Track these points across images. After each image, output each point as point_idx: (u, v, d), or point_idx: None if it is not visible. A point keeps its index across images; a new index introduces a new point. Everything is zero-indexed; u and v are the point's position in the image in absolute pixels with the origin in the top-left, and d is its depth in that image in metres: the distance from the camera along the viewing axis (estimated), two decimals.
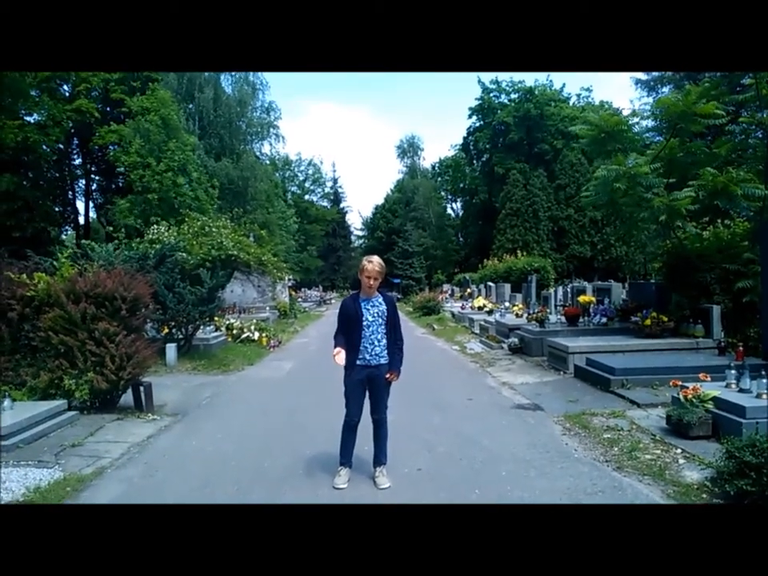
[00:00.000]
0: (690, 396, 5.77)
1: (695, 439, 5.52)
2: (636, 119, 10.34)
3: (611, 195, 10.14)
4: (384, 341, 4.70)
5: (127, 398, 7.68)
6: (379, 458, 4.82)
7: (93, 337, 7.06)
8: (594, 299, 13.45)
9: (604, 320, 11.95)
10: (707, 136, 12.82)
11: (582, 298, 13.52)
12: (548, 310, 14.06)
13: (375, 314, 4.67)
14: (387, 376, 4.71)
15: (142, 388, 7.53)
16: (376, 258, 4.75)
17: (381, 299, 4.76)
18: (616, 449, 5.51)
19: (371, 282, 4.63)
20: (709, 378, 6.44)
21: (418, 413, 7.17)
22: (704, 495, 4.34)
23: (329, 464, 5.12)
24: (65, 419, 6.65)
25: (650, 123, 11.42)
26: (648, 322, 10.19)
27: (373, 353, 4.66)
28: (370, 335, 4.65)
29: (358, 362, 4.67)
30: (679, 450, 5.33)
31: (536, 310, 14.09)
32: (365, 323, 4.64)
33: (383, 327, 4.70)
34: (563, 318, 12.55)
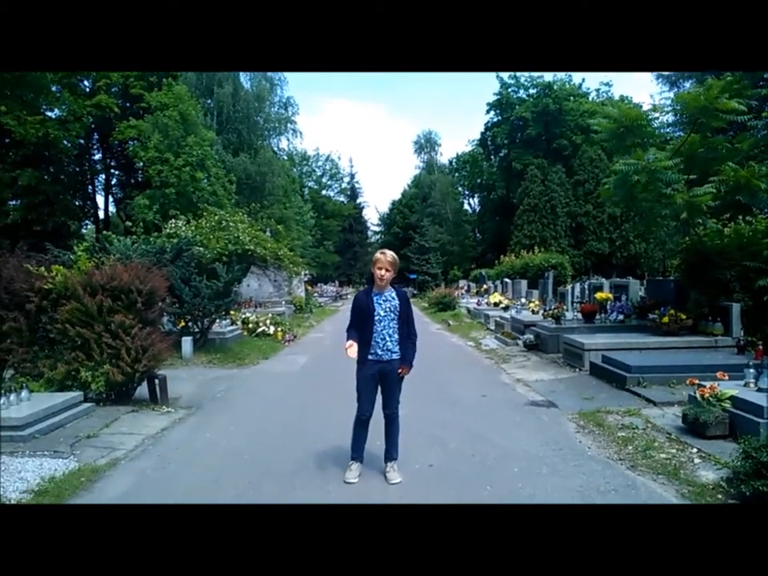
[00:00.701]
0: (707, 395, 5.68)
1: (712, 439, 5.43)
2: (656, 114, 10.14)
3: (630, 191, 9.99)
4: (396, 336, 4.67)
5: (142, 390, 7.74)
6: (390, 453, 4.81)
7: (109, 329, 7.12)
8: (611, 296, 13.33)
9: (621, 317, 11.84)
10: (729, 131, 12.57)
11: (598, 295, 13.40)
12: (564, 307, 13.95)
13: (387, 309, 4.64)
14: (399, 371, 4.68)
15: (157, 381, 7.59)
16: (389, 251, 4.73)
17: (393, 293, 4.72)
18: (630, 447, 5.45)
19: (383, 274, 4.59)
20: (726, 377, 6.33)
21: (430, 408, 7.15)
22: (719, 496, 4.26)
23: (340, 459, 5.12)
24: (81, 411, 6.72)
25: (670, 118, 11.15)
26: (666, 319, 10.05)
27: (385, 348, 4.63)
28: (382, 330, 4.62)
29: (369, 357, 4.65)
30: (695, 450, 5.25)
31: (552, 307, 13.99)
32: (376, 318, 4.61)
33: (395, 322, 4.66)
34: (580, 315, 12.46)
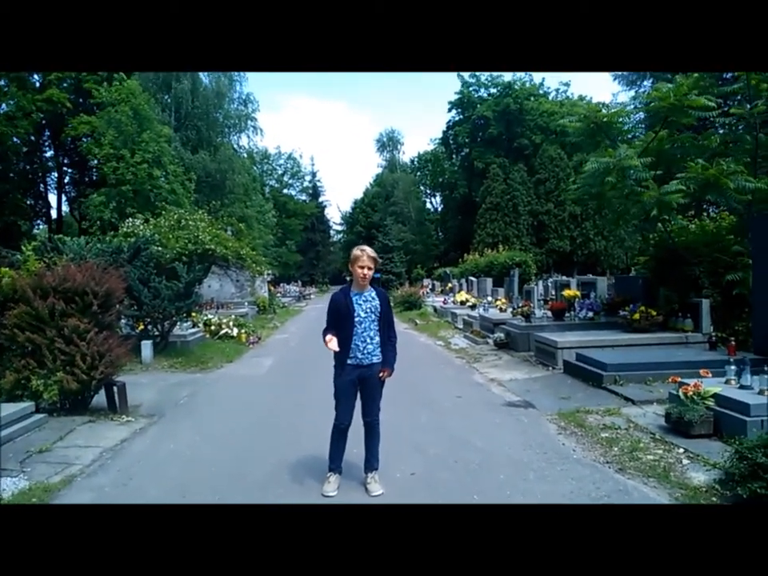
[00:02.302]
0: (690, 393, 5.57)
1: (696, 438, 5.32)
2: (623, 117, 10.09)
3: (600, 189, 9.94)
4: (377, 338, 4.39)
5: (100, 398, 7.27)
6: (371, 463, 4.52)
7: (62, 334, 6.64)
8: (579, 293, 13.32)
9: (590, 314, 11.81)
10: (694, 129, 12.68)
11: (566, 293, 13.37)
12: (532, 305, 13.89)
13: (368, 310, 4.35)
14: (380, 374, 4.41)
15: (115, 388, 7.13)
16: (369, 248, 4.44)
17: (374, 293, 4.44)
18: (616, 449, 5.29)
19: (365, 273, 4.30)
20: (710, 375, 6.26)
21: (405, 411, 6.88)
22: (714, 498, 4.12)
23: (315, 469, 4.82)
24: (32, 422, 6.24)
25: (638, 116, 11.17)
26: (636, 316, 10.04)
27: (365, 351, 4.34)
28: (362, 332, 4.33)
29: (349, 362, 4.35)
30: (681, 450, 5.12)
31: (520, 305, 13.92)
32: (357, 319, 4.31)
33: (376, 324, 4.38)
34: (549, 313, 12.39)
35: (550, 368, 9.38)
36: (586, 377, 8.11)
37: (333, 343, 4.22)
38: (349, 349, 4.31)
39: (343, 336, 4.29)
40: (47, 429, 6.27)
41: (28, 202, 34.39)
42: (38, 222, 38.24)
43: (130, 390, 7.69)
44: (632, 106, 9.83)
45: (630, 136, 10.52)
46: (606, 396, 7.28)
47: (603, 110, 9.57)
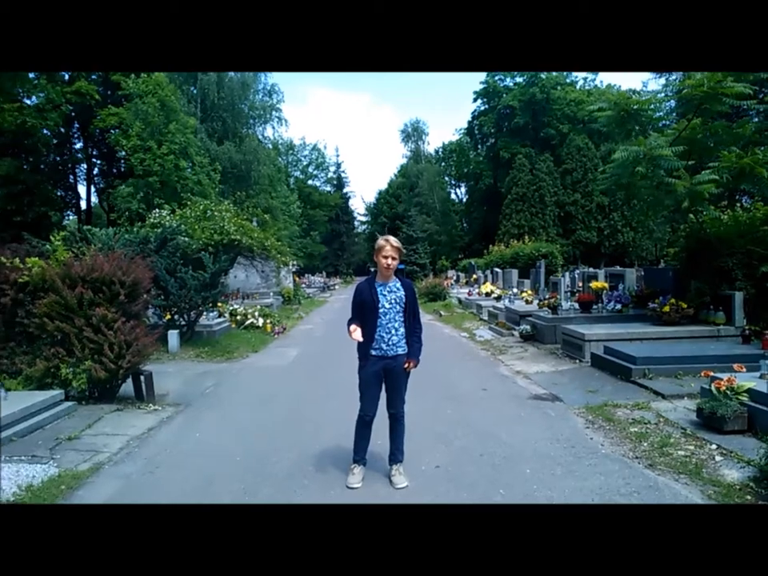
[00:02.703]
0: (723, 388, 5.42)
1: (729, 434, 5.17)
2: (654, 104, 9.79)
3: (629, 179, 9.71)
4: (402, 329, 4.34)
5: (127, 387, 7.37)
6: (396, 456, 4.49)
7: (90, 323, 6.72)
8: (606, 285, 13.09)
9: (618, 306, 11.59)
10: (728, 116, 12.32)
11: (594, 284, 13.14)
12: (558, 296, 13.70)
13: (393, 301, 4.29)
14: (405, 365, 4.36)
15: (142, 377, 7.21)
16: (393, 237, 4.36)
17: (399, 284, 4.38)
18: (645, 444, 5.18)
19: (389, 263, 4.23)
20: (744, 369, 6.08)
21: (430, 404, 6.84)
22: (748, 497, 4.00)
23: (340, 460, 4.81)
24: (61, 410, 6.34)
25: (669, 104, 10.85)
26: (666, 308, 9.82)
27: (390, 342, 4.29)
28: (387, 323, 4.27)
29: (373, 353, 4.30)
30: (714, 446, 4.99)
31: (547, 296, 13.75)
32: (381, 310, 4.26)
33: (401, 315, 4.32)
34: (576, 305, 12.19)
35: (578, 361, 9.24)
36: (615, 370, 7.97)
37: (357, 333, 4.19)
38: (373, 340, 4.27)
39: (368, 327, 4.26)
40: (76, 417, 6.36)
41: (58, 194, 34.91)
42: (68, 212, 38.84)
43: (157, 379, 7.77)
44: (663, 94, 9.46)
45: (661, 125, 10.22)
46: (635, 390, 7.14)
47: (634, 97, 9.30)
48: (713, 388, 5.56)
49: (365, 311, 4.29)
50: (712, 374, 5.91)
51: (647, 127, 9.47)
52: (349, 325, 4.30)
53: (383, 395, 4.47)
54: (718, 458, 4.74)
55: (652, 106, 9.40)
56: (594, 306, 11.91)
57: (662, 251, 41.36)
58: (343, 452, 4.92)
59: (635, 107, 9.02)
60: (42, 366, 6.76)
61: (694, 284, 10.42)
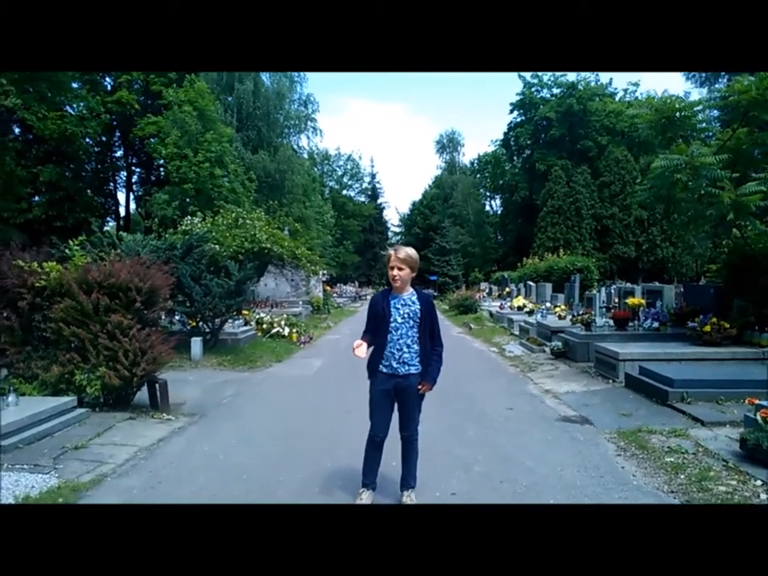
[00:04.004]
0: None
1: None
2: (700, 107, 9.27)
3: (668, 190, 9.25)
4: (416, 347, 4.01)
5: (143, 395, 7.23)
6: (407, 481, 4.18)
7: (105, 330, 6.61)
8: (643, 302, 12.55)
9: (656, 324, 11.05)
10: None
11: (631, 301, 12.61)
12: (593, 312, 13.20)
13: (405, 315, 3.99)
14: (419, 387, 4.04)
15: (157, 385, 7.06)
16: (402, 247, 4.08)
17: (414, 297, 4.05)
18: (682, 476, 4.76)
19: (394, 274, 3.94)
20: None
21: (451, 423, 6.51)
22: None
23: (350, 481, 4.52)
24: (73, 417, 6.21)
25: (713, 113, 10.32)
26: (707, 328, 9.31)
27: (401, 360, 3.99)
28: (398, 339, 3.98)
29: (383, 369, 4.02)
30: (759, 482, 4.54)
31: (580, 312, 13.26)
32: (392, 325, 3.97)
33: (415, 330, 4.00)
34: (611, 322, 11.70)
35: (611, 381, 8.78)
36: (650, 392, 7.51)
37: (359, 350, 3.93)
38: (383, 356, 4.00)
39: (378, 341, 4.00)
40: (87, 424, 6.23)
41: (99, 200, 35.64)
42: (108, 219, 39.61)
43: (176, 387, 7.65)
44: (713, 101, 8.92)
45: (704, 136, 9.71)
46: (671, 415, 6.68)
47: (677, 102, 8.85)
48: (758, 417, 5.10)
49: (377, 324, 4.03)
50: (757, 401, 5.45)
51: (689, 136, 9.00)
52: (362, 337, 4.05)
53: (396, 416, 4.18)
54: (763, 496, 4.31)
55: (697, 109, 8.84)
56: (630, 324, 11.40)
57: (702, 267, 40.16)
58: (354, 473, 4.62)
59: (678, 113, 8.55)
60: (57, 372, 6.67)
61: (737, 302, 9.88)
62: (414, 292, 4.08)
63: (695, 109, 8.72)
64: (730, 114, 8.96)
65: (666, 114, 8.70)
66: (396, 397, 4.07)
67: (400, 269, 3.93)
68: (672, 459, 5.17)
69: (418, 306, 4.01)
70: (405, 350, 3.99)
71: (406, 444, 4.18)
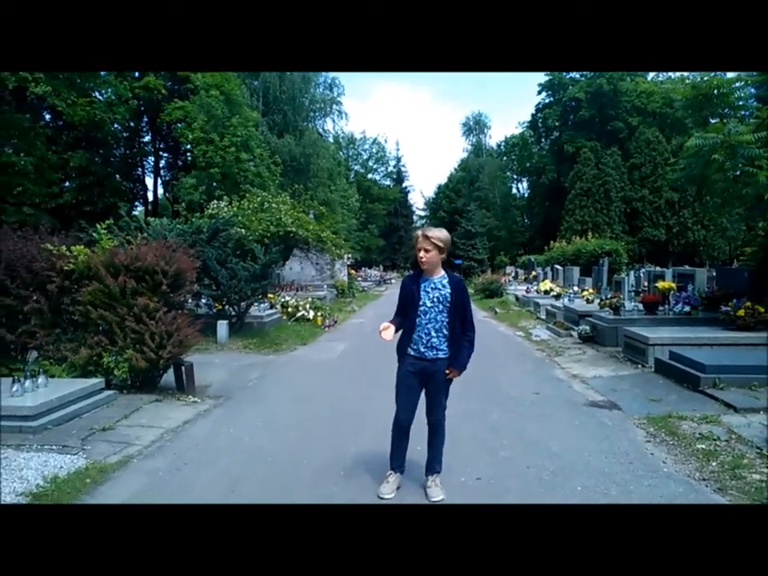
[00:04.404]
0: None
1: None
2: (739, 83, 8.89)
3: (703, 169, 8.97)
4: (445, 331, 3.90)
5: (170, 377, 7.31)
6: (433, 466, 4.13)
7: (132, 313, 6.66)
8: (674, 285, 12.26)
9: (687, 309, 10.79)
10: None
11: (661, 284, 12.32)
12: (621, 296, 12.95)
13: (435, 299, 3.87)
14: (447, 372, 3.95)
15: (183, 368, 7.12)
16: (431, 227, 3.98)
17: (446, 280, 3.92)
18: (714, 464, 4.63)
19: (422, 256, 3.83)
20: None
21: (476, 408, 6.44)
22: None
23: (374, 465, 4.50)
24: (101, 399, 6.29)
25: (749, 90, 9.91)
26: (741, 312, 9.05)
27: (429, 344, 3.90)
28: (427, 323, 3.88)
29: (410, 352, 3.95)
30: None
31: (609, 296, 13.02)
32: (421, 308, 3.87)
33: (444, 315, 3.88)
34: (640, 306, 11.46)
35: (640, 366, 8.61)
36: (681, 378, 7.34)
37: (386, 333, 3.85)
38: (411, 338, 3.92)
39: (407, 325, 3.92)
40: (115, 406, 6.30)
41: (127, 185, 36.06)
42: (137, 204, 40.10)
43: (202, 370, 7.71)
44: (753, 78, 8.54)
45: (741, 113, 9.34)
46: (703, 401, 6.52)
47: (717, 78, 8.49)
48: None
49: (407, 307, 3.95)
50: None
51: (726, 114, 8.68)
52: (392, 320, 3.99)
53: (423, 400, 4.12)
54: None
55: (735, 86, 8.47)
56: (660, 308, 11.16)
57: (735, 251, 39.19)
58: (379, 457, 4.61)
59: (715, 90, 8.22)
60: (86, 354, 6.76)
61: None
62: (446, 275, 3.95)
63: (733, 86, 8.38)
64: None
65: (703, 91, 8.38)
66: (423, 381, 3.99)
67: (427, 250, 3.82)
68: (703, 446, 5.04)
69: (449, 290, 3.89)
70: (433, 334, 3.90)
71: (432, 429, 4.11)
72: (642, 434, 5.54)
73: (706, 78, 8.55)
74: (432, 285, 3.90)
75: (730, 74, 8.64)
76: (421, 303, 3.89)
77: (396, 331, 3.96)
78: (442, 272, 3.95)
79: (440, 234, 3.88)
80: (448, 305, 3.88)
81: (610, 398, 6.98)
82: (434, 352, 3.92)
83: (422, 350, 3.92)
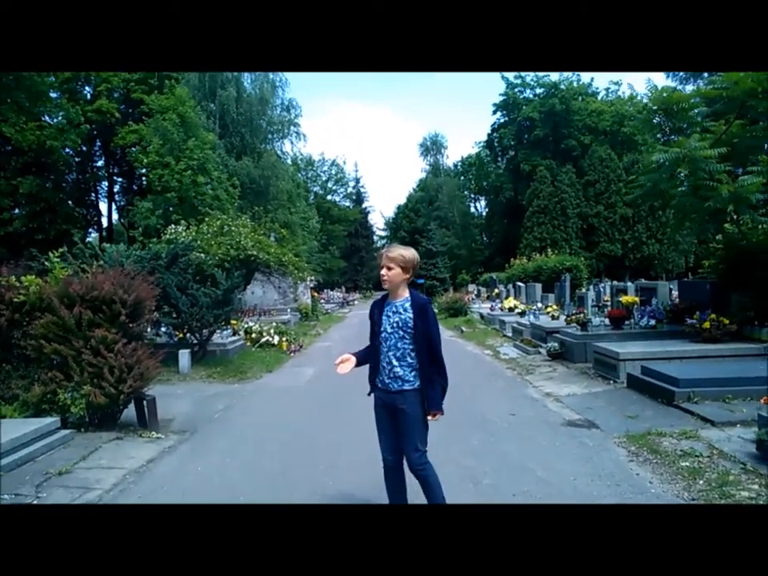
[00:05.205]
0: None
1: None
2: (697, 99, 9.08)
3: (666, 184, 9.10)
4: (409, 359, 3.52)
5: (130, 412, 6.91)
6: None
7: (89, 345, 6.29)
8: (637, 300, 12.40)
9: (652, 322, 10.90)
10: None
11: (624, 299, 12.46)
12: (585, 311, 13.04)
13: (395, 324, 3.52)
14: (429, 417, 3.53)
15: (145, 402, 6.75)
16: (396, 245, 3.70)
17: (408, 303, 3.53)
18: (701, 482, 4.55)
19: (383, 274, 3.51)
20: None
21: (453, 431, 6.22)
22: None
23: (355, 500, 4.26)
24: (56, 439, 5.88)
25: (702, 109, 10.14)
26: (707, 324, 9.15)
27: (392, 374, 3.54)
28: (387, 351, 3.54)
29: (377, 383, 3.64)
30: None
31: (573, 312, 13.11)
32: (382, 335, 3.56)
33: (406, 342, 3.50)
34: (607, 321, 11.54)
35: (611, 382, 8.60)
36: (655, 392, 7.32)
37: (342, 366, 3.57)
38: (377, 369, 3.62)
39: (373, 353, 3.64)
40: (72, 446, 5.90)
41: (80, 212, 35.06)
42: (90, 230, 39.01)
43: (165, 402, 7.34)
44: (708, 87, 8.69)
45: (698, 129, 9.56)
46: (679, 415, 6.50)
47: (677, 93, 8.67)
48: None
49: (372, 334, 3.68)
50: None
51: (686, 129, 8.85)
52: (366, 348, 3.74)
53: None
54: None
55: (694, 101, 8.63)
56: (626, 322, 11.25)
57: (690, 263, 40.36)
58: (360, 491, 4.41)
59: (675, 106, 8.36)
60: (39, 391, 6.33)
61: (735, 297, 9.77)
62: (409, 298, 3.58)
63: (691, 101, 8.55)
64: (727, 104, 8.78)
65: (662, 107, 8.53)
66: (392, 416, 3.62)
67: (389, 268, 3.50)
68: (687, 464, 4.97)
69: (410, 314, 3.50)
70: (395, 363, 3.53)
71: (415, 475, 3.60)
72: (624, 452, 5.45)
73: (666, 92, 8.69)
74: (393, 308, 3.56)
75: (689, 89, 8.82)
76: (381, 329, 3.58)
77: (367, 361, 3.70)
78: (407, 294, 3.59)
79: (404, 252, 3.55)
80: (410, 330, 3.50)
81: (586, 416, 6.90)
82: (399, 383, 3.52)
83: (386, 380, 3.56)
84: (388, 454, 3.70)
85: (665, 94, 8.42)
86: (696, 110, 8.61)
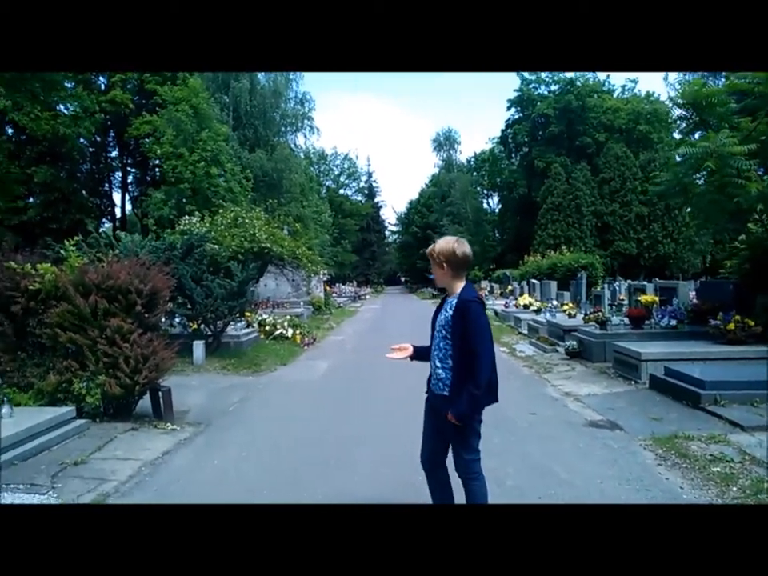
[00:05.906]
0: None
1: None
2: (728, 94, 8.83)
3: (690, 178, 8.88)
4: (450, 361, 3.27)
5: (145, 403, 6.84)
6: None
7: (105, 335, 6.21)
8: (657, 299, 12.19)
9: (673, 322, 10.68)
10: None
11: (643, 298, 12.24)
12: (602, 310, 12.84)
13: (439, 323, 3.34)
14: (448, 416, 3.25)
15: (160, 393, 6.66)
16: (436, 241, 3.47)
17: (455, 301, 3.27)
18: (734, 488, 4.39)
19: (433, 271, 3.39)
20: None
21: None
22: None
23: (374, 501, 4.14)
24: (72, 429, 5.82)
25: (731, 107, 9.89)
26: (731, 325, 8.95)
27: (435, 376, 3.38)
28: (434, 350, 3.38)
29: (429, 383, 3.49)
30: None
31: (591, 310, 12.91)
32: (433, 333, 3.42)
33: (447, 343, 3.27)
34: (626, 320, 11.35)
35: (633, 382, 8.42)
36: (679, 394, 7.14)
37: (396, 353, 3.48)
38: (430, 369, 3.48)
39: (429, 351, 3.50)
40: (87, 436, 5.83)
41: (94, 201, 35.15)
42: (104, 220, 39.13)
43: (179, 393, 7.26)
44: (746, 80, 8.43)
45: (726, 125, 9.33)
46: (705, 418, 6.32)
47: (709, 88, 8.46)
48: None
49: None
50: None
51: (714, 124, 8.63)
52: None
53: None
54: None
55: (723, 98, 8.41)
56: (646, 322, 11.04)
57: (707, 263, 39.88)
58: (379, 491, 4.28)
59: (706, 99, 8.13)
60: (54, 380, 6.27)
61: (760, 299, 9.54)
62: (458, 295, 3.29)
63: (722, 96, 8.31)
64: (756, 101, 8.54)
65: (691, 101, 8.32)
66: (435, 420, 3.45)
67: (433, 266, 3.38)
68: (719, 469, 4.80)
69: (450, 314, 3.26)
70: (438, 364, 3.35)
71: (462, 482, 3.43)
72: (651, 456, 5.29)
73: (697, 86, 8.46)
74: (445, 306, 3.36)
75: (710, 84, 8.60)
76: (434, 327, 3.43)
77: (423, 357, 3.53)
78: (459, 290, 3.31)
79: (437, 246, 3.35)
80: (449, 330, 3.27)
81: (608, 417, 6.74)
82: (440, 386, 3.33)
83: (433, 381, 3.42)
84: (423, 455, 3.56)
85: (695, 88, 8.21)
86: (725, 107, 8.37)
